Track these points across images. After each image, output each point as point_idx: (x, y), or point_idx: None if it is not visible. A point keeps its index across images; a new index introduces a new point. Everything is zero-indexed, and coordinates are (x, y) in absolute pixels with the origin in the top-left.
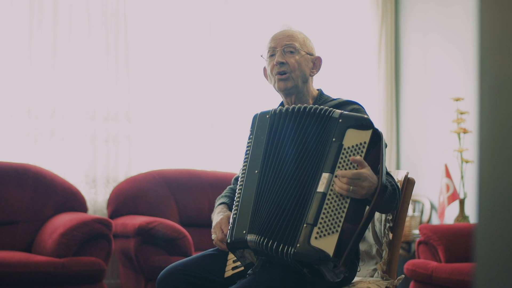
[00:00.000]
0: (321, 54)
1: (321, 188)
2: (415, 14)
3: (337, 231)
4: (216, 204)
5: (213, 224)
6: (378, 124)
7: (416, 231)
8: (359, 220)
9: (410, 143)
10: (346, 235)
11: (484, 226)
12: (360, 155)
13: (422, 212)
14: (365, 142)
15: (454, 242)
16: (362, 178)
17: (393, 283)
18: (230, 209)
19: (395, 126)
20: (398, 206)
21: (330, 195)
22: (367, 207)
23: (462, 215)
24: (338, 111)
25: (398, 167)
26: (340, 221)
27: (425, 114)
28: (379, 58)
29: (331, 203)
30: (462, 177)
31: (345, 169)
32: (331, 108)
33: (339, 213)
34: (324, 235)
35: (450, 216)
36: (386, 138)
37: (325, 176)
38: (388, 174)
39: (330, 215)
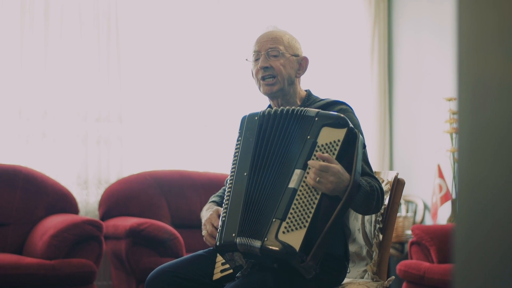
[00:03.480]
0: (314, 55)
1: (292, 184)
2: (408, 13)
3: (304, 226)
4: (208, 202)
5: (203, 221)
6: (371, 124)
7: (409, 232)
8: (329, 217)
9: (403, 143)
10: (315, 231)
11: (463, 227)
12: (333, 153)
13: (415, 212)
14: (339, 140)
15: (447, 242)
16: (330, 172)
17: (383, 284)
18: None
19: (388, 126)
20: (380, 208)
21: (300, 191)
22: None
23: (454, 215)
24: (316, 110)
25: (391, 167)
26: (308, 216)
27: (418, 114)
28: (372, 58)
29: (301, 198)
30: (454, 177)
31: None
32: (311, 109)
33: (308, 208)
34: (292, 229)
35: (443, 216)
36: (379, 138)
37: (297, 172)
38: (371, 175)
39: (299, 211)
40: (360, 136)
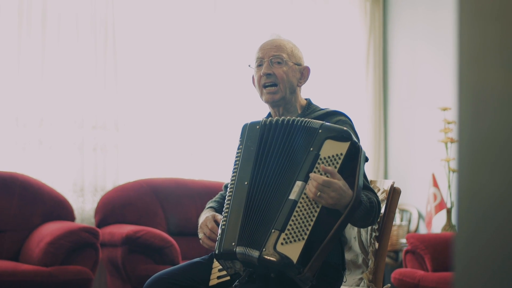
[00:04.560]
0: (310, 64)
1: (293, 195)
2: (403, 22)
3: (303, 238)
4: (205, 208)
5: (199, 224)
6: (366, 133)
7: (404, 240)
8: (329, 230)
9: (397, 153)
10: (313, 244)
11: (464, 237)
12: (335, 166)
13: (409, 221)
14: (341, 154)
15: (441, 251)
16: (332, 188)
17: None
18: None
19: (383, 135)
20: (376, 222)
21: (301, 203)
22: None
23: (449, 224)
24: (320, 121)
25: (386, 176)
26: (307, 229)
27: (412, 123)
28: (367, 67)
29: (301, 211)
30: (449, 186)
31: None
32: (315, 120)
33: (307, 221)
34: (291, 241)
35: (437, 225)
36: (374, 147)
37: (298, 184)
38: (369, 188)
39: (299, 223)
40: (363, 150)
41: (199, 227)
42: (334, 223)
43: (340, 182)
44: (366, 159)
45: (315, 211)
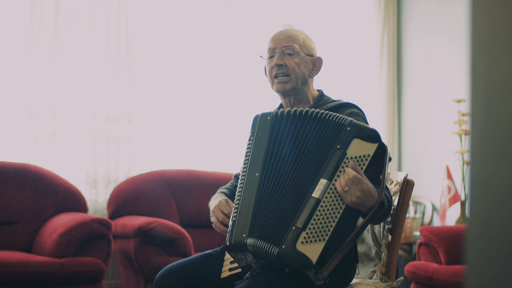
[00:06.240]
0: (323, 55)
1: (316, 193)
2: (418, 15)
3: (324, 239)
4: (216, 192)
5: (212, 208)
6: (380, 125)
7: (417, 233)
8: (349, 232)
9: (412, 145)
10: (333, 245)
11: (476, 228)
12: (361, 167)
13: (423, 213)
14: (368, 155)
15: (455, 244)
16: (360, 187)
17: (392, 285)
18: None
19: (397, 128)
20: (388, 217)
21: (324, 202)
22: (361, 221)
23: (463, 217)
24: (349, 118)
25: (399, 168)
26: (329, 230)
27: (427, 115)
28: (381, 60)
29: (323, 210)
30: (463, 179)
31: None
32: (343, 115)
33: (329, 222)
34: (311, 241)
35: (451, 218)
36: (388, 139)
37: (322, 182)
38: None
39: (321, 222)
40: (388, 151)
41: (211, 212)
42: (354, 224)
43: (369, 184)
44: (389, 159)
45: (338, 212)
